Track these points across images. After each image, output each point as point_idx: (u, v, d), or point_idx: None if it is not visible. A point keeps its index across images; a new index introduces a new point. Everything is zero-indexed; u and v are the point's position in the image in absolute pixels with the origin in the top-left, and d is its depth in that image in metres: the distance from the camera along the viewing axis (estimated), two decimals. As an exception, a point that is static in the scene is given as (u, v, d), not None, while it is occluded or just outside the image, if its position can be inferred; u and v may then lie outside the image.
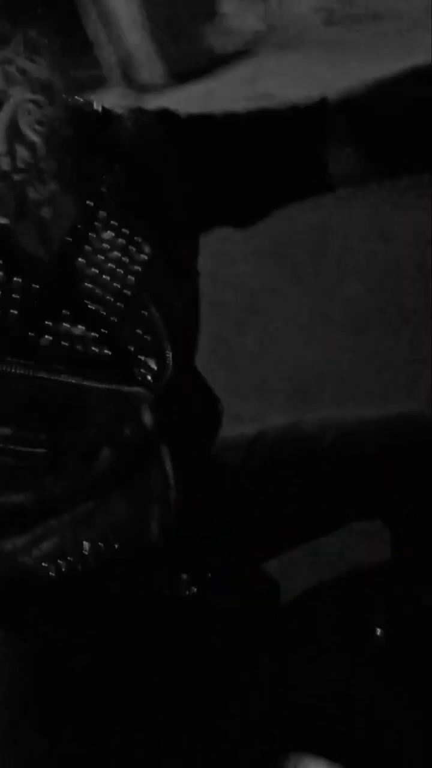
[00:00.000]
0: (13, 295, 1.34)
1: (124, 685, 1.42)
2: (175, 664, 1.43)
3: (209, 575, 1.47)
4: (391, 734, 1.38)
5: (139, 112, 1.51)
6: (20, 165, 1.30)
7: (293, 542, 1.60)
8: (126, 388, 1.40)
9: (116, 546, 1.42)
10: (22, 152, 1.30)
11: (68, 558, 1.41)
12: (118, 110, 1.50)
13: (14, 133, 1.29)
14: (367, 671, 1.42)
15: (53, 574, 1.41)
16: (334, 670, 1.43)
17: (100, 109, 1.48)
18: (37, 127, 1.29)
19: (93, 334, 1.37)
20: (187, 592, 1.46)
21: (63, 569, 1.41)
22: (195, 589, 1.46)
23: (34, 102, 1.29)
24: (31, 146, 1.30)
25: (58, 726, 1.41)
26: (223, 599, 1.46)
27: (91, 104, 1.47)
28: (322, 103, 1.49)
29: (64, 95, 1.37)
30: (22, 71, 1.28)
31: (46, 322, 1.35)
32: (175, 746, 1.40)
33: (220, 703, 1.42)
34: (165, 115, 1.51)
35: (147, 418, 1.41)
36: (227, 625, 1.46)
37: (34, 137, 1.30)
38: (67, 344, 1.36)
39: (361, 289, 2.41)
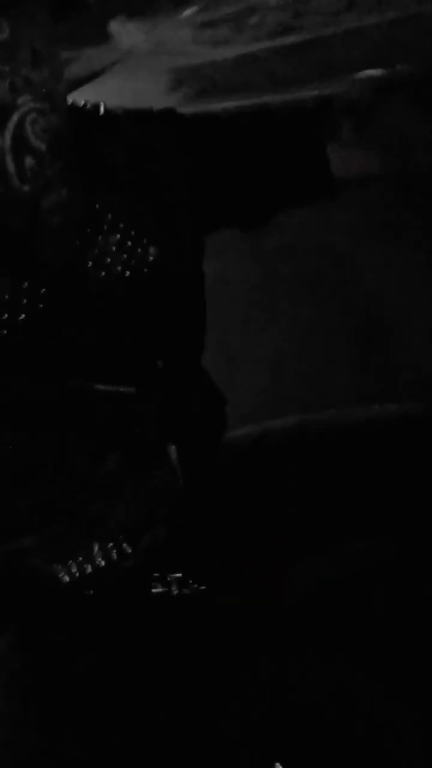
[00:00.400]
0: (22, 300, 1.34)
1: (124, 685, 1.42)
2: (175, 664, 1.43)
3: (212, 575, 1.47)
4: (391, 734, 1.38)
5: (144, 113, 1.51)
6: (29, 174, 1.31)
7: (297, 546, 1.60)
8: (134, 390, 1.40)
9: (124, 546, 1.42)
10: (29, 161, 1.30)
11: (78, 559, 1.41)
12: (123, 112, 1.51)
13: (21, 143, 1.30)
14: (367, 671, 1.42)
15: (63, 576, 1.42)
16: (334, 670, 1.43)
17: (104, 111, 1.49)
18: (42, 135, 1.30)
19: (100, 336, 1.38)
20: (189, 591, 1.46)
21: (73, 570, 1.42)
22: (201, 587, 1.46)
23: (39, 111, 1.30)
24: (38, 155, 1.30)
25: (58, 725, 1.42)
26: (224, 599, 1.46)
27: (96, 107, 1.48)
28: (326, 104, 1.49)
29: (67, 101, 1.38)
30: (28, 81, 1.29)
31: (54, 326, 1.35)
32: (175, 746, 1.40)
33: (220, 703, 1.42)
34: (170, 115, 1.52)
35: (154, 419, 1.41)
36: (227, 625, 1.46)
37: (40, 145, 1.30)
38: (74, 347, 1.37)
39: (369, 289, 2.41)
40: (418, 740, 1.38)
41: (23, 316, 1.34)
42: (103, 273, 1.39)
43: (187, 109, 1.56)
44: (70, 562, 1.41)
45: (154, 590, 1.45)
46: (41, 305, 1.35)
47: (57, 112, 1.32)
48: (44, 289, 1.35)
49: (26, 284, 1.34)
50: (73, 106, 1.45)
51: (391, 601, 1.45)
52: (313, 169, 1.50)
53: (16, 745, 1.41)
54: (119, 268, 1.40)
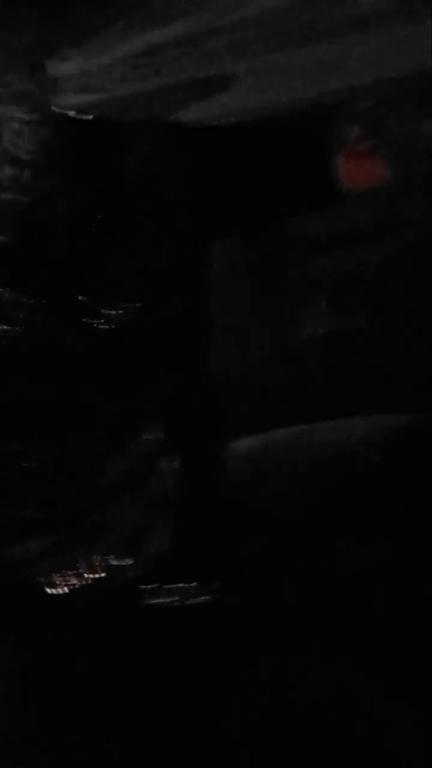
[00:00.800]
0: (16, 312, 1.35)
1: (124, 684, 1.42)
2: (175, 664, 1.43)
3: (216, 584, 1.47)
4: (391, 734, 1.38)
5: (143, 124, 1.51)
6: (13, 184, 1.31)
7: (298, 551, 1.59)
8: (135, 400, 1.40)
9: (126, 558, 1.42)
10: (14, 171, 1.30)
11: (79, 571, 1.41)
12: (131, 122, 1.51)
13: (8, 154, 1.30)
14: (367, 671, 1.42)
15: (62, 588, 1.41)
16: (334, 670, 1.43)
17: (101, 122, 1.48)
18: (32, 147, 1.30)
19: (100, 348, 1.38)
20: (191, 602, 1.46)
21: (72, 582, 1.41)
22: (203, 598, 1.46)
23: (28, 122, 1.30)
24: (27, 166, 1.30)
25: (59, 724, 1.41)
26: (224, 599, 1.46)
27: (94, 119, 1.48)
28: (329, 114, 1.49)
29: (61, 112, 1.38)
30: (20, 94, 1.29)
31: (51, 337, 1.36)
32: (175, 745, 1.40)
33: (220, 703, 1.42)
34: (176, 124, 1.52)
35: (156, 429, 1.41)
36: (228, 625, 1.46)
37: (28, 157, 1.30)
38: (74, 359, 1.36)
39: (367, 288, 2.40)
40: (418, 740, 1.38)
41: (19, 327, 1.34)
42: (100, 283, 1.39)
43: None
44: (70, 573, 1.41)
45: (155, 601, 1.44)
46: (36, 317, 1.35)
47: (47, 124, 1.32)
48: (38, 300, 1.35)
49: (17, 295, 1.35)
50: (68, 118, 1.45)
51: (391, 601, 1.44)
52: (320, 179, 1.50)
53: (17, 743, 1.41)
54: (117, 278, 1.40)
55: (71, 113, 1.45)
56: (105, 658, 1.43)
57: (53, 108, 1.37)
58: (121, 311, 1.40)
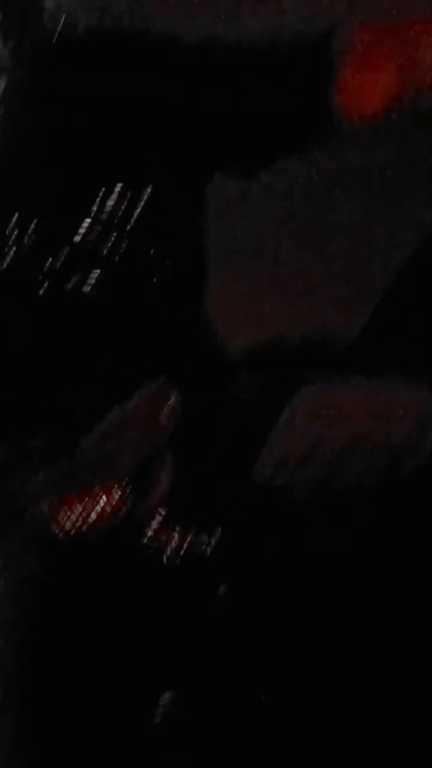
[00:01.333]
0: (12, 307, 1.36)
1: (122, 685, 1.42)
2: (173, 663, 1.43)
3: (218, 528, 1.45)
4: (390, 734, 1.38)
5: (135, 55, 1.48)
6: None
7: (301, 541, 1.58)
8: (137, 346, 1.40)
9: (127, 494, 1.42)
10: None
11: (82, 505, 1.41)
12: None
13: None
14: (366, 670, 1.41)
15: (66, 522, 1.41)
16: (333, 670, 1.42)
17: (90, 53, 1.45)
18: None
19: (97, 298, 1.38)
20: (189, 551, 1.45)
21: (74, 516, 1.41)
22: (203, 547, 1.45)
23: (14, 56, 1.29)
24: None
25: (55, 723, 1.42)
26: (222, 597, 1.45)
27: (86, 47, 1.45)
28: (326, 40, 1.42)
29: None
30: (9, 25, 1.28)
31: (48, 332, 1.36)
32: (173, 746, 1.41)
33: (218, 703, 1.42)
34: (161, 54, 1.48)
35: (158, 371, 1.41)
36: (226, 625, 1.45)
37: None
38: (70, 352, 1.37)
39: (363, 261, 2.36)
40: (418, 740, 1.38)
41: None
42: (96, 272, 1.39)
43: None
44: (70, 510, 1.41)
45: (154, 544, 1.44)
46: (33, 312, 1.36)
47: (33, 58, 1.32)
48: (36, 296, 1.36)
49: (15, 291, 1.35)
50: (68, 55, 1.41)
51: (391, 601, 1.44)
52: (314, 106, 1.43)
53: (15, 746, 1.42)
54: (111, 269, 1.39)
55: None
56: (100, 658, 1.42)
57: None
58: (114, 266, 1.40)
